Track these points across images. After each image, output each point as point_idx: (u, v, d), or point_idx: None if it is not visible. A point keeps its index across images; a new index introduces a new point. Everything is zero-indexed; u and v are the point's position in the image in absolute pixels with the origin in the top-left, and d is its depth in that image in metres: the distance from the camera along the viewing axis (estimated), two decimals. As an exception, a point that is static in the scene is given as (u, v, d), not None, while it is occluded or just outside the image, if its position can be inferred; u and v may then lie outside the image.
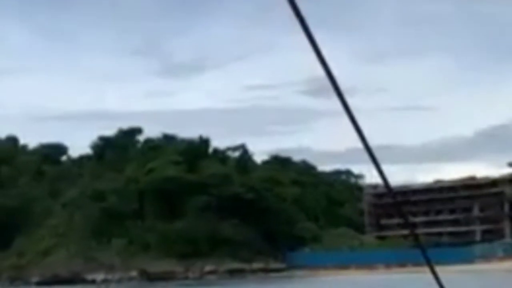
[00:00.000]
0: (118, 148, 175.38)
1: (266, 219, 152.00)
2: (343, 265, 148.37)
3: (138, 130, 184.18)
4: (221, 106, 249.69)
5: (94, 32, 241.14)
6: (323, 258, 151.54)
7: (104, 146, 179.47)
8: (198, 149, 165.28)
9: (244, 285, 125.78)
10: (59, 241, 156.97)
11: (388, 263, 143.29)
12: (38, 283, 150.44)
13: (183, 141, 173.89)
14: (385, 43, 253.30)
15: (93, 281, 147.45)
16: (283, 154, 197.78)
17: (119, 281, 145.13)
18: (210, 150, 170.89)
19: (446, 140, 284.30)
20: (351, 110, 4.00)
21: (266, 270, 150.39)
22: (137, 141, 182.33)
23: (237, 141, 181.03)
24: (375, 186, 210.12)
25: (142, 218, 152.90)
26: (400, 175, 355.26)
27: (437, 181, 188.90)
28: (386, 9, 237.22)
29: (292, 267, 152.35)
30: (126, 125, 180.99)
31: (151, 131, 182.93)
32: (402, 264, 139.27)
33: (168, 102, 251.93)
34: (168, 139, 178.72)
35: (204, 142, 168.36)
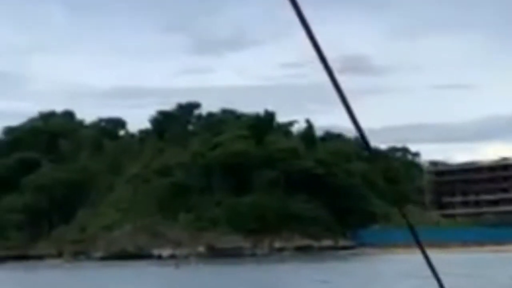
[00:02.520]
0: (179, 123, 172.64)
1: (336, 195, 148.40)
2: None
3: (196, 105, 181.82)
4: (256, 84, 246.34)
5: (128, 9, 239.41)
6: (393, 236, 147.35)
7: (163, 121, 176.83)
8: (263, 123, 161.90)
9: (314, 263, 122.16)
10: (123, 216, 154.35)
11: (465, 242, 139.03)
12: (102, 258, 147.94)
13: (244, 115, 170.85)
14: (423, 20, 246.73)
15: (159, 257, 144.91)
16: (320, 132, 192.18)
17: (186, 256, 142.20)
18: (274, 124, 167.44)
19: (486, 118, 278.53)
20: (342, 89, 3.82)
21: (335, 248, 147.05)
22: (197, 116, 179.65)
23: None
24: (435, 164, 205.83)
25: (210, 193, 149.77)
26: (438, 154, 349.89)
27: (503, 159, 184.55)
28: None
29: (361, 244, 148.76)
30: (164, 101, 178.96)
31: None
32: (480, 243, 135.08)
33: (204, 79, 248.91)
34: (228, 113, 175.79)
35: (269, 116, 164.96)
